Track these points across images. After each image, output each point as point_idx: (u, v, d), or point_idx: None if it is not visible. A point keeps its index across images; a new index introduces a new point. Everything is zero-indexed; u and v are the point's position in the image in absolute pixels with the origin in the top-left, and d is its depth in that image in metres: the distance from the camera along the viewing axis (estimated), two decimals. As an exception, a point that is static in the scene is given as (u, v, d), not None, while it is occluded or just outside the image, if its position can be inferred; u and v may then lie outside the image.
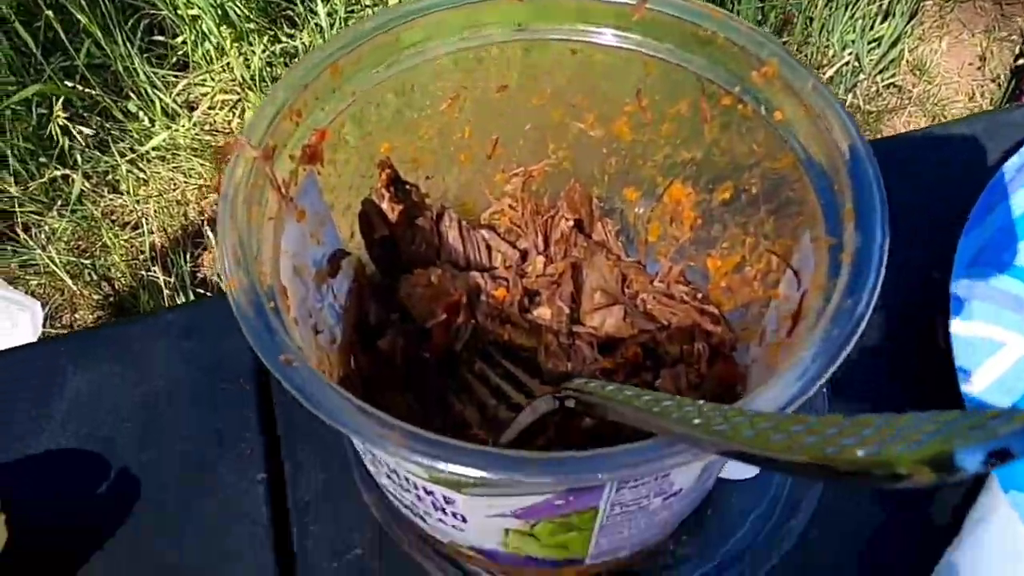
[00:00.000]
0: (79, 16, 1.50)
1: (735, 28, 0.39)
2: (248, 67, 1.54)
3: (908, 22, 1.52)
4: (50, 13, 1.45)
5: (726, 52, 0.39)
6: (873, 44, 1.51)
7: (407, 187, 0.45)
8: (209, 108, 1.58)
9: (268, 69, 1.54)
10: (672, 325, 0.44)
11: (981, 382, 0.46)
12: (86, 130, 1.51)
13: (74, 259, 1.46)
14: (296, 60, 0.36)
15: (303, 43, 1.54)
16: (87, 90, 1.54)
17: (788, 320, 0.37)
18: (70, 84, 1.52)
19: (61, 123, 1.44)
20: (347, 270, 0.43)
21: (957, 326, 0.47)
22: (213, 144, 1.56)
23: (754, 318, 0.42)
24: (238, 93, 1.56)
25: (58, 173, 1.53)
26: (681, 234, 0.47)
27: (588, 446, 0.27)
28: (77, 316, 1.48)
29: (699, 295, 0.45)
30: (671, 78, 0.41)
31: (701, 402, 0.28)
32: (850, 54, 1.49)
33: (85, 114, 1.57)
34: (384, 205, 0.43)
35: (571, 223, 0.47)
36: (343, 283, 0.43)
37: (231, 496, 0.48)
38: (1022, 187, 0.52)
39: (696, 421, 0.27)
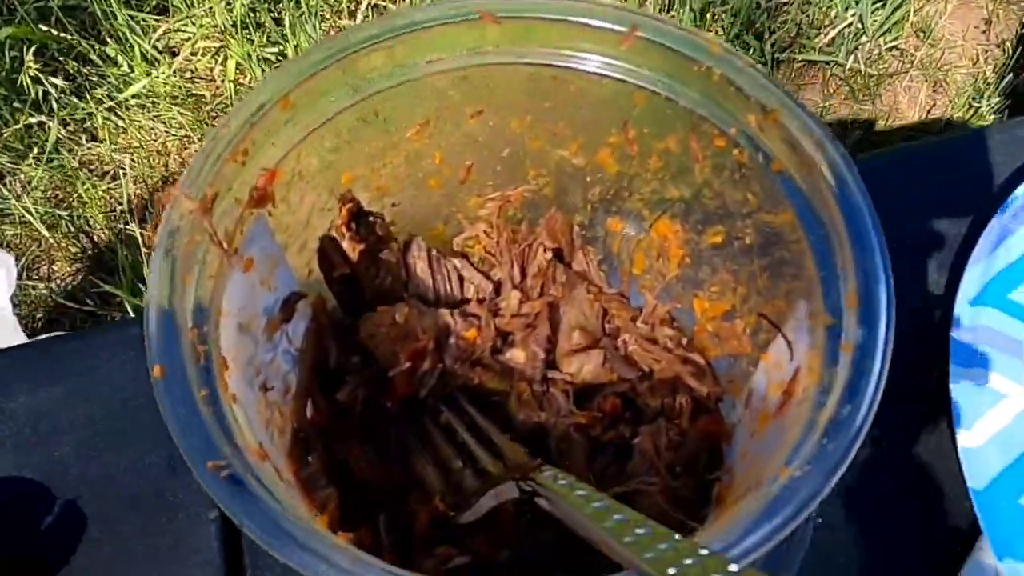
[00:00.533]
0: (51, -46, 1.41)
1: (735, 65, 0.34)
2: (231, 11, 1.46)
3: (915, -18, 1.45)
4: (20, -48, 1.36)
5: (723, 91, 0.35)
6: (877, 5, 1.44)
7: (371, 219, 0.40)
8: (191, 55, 1.50)
9: (252, 15, 1.46)
10: (654, 374, 0.41)
11: (980, 436, 0.43)
12: (59, 82, 1.43)
13: (50, 210, 1.41)
14: (241, 98, 0.32)
15: (287, -12, 1.45)
16: (62, 34, 1.46)
17: (778, 392, 0.34)
18: (44, 28, 1.44)
19: (32, 74, 1.37)
20: (304, 310, 0.39)
21: (955, 373, 0.44)
22: (195, 93, 1.49)
23: (742, 373, 0.39)
24: (220, 40, 1.48)
25: (33, 120, 1.46)
26: (667, 270, 0.43)
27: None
28: (55, 268, 1.43)
29: (684, 340, 0.42)
30: (660, 112, 0.37)
31: (659, 528, 0.25)
32: (853, 15, 1.42)
33: (61, 58, 1.49)
34: (345, 244, 0.39)
35: (550, 254, 0.43)
36: (299, 324, 0.39)
37: (183, 532, 0.45)
38: (1033, 218, 0.48)
39: (648, 555, 0.23)
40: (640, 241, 0.43)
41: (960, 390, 0.44)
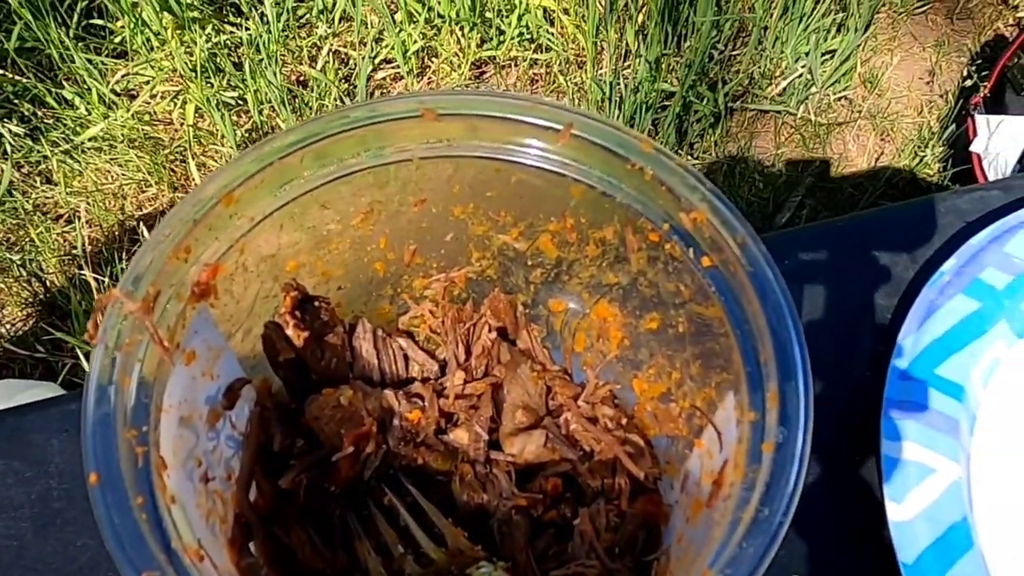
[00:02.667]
0: (8, -2, 1.40)
1: (665, 165, 0.36)
2: (191, 56, 1.47)
3: (862, 34, 1.50)
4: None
5: (655, 188, 0.36)
6: (827, 56, 1.49)
7: (316, 304, 0.41)
8: (150, 97, 1.50)
9: (212, 60, 1.46)
10: (594, 455, 0.42)
11: (909, 510, 0.44)
12: (15, 128, 1.42)
13: (1, 254, 1.39)
14: (184, 196, 0.32)
15: (248, 35, 1.46)
16: (17, 77, 1.45)
17: (709, 481, 0.35)
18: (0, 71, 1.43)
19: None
20: (248, 394, 0.40)
21: (886, 447, 0.46)
22: (152, 136, 1.49)
23: (678, 455, 0.40)
24: (179, 84, 1.48)
25: (-14, 163, 1.44)
26: (608, 350, 0.44)
27: None
28: (5, 313, 1.41)
29: (624, 420, 0.43)
30: (597, 204, 0.38)
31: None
32: (803, 67, 1.47)
33: (15, 101, 1.48)
34: (289, 331, 0.40)
35: (494, 333, 0.44)
36: (243, 408, 0.40)
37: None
38: (960, 292, 0.50)
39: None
40: (581, 321, 0.45)
41: (891, 464, 0.45)
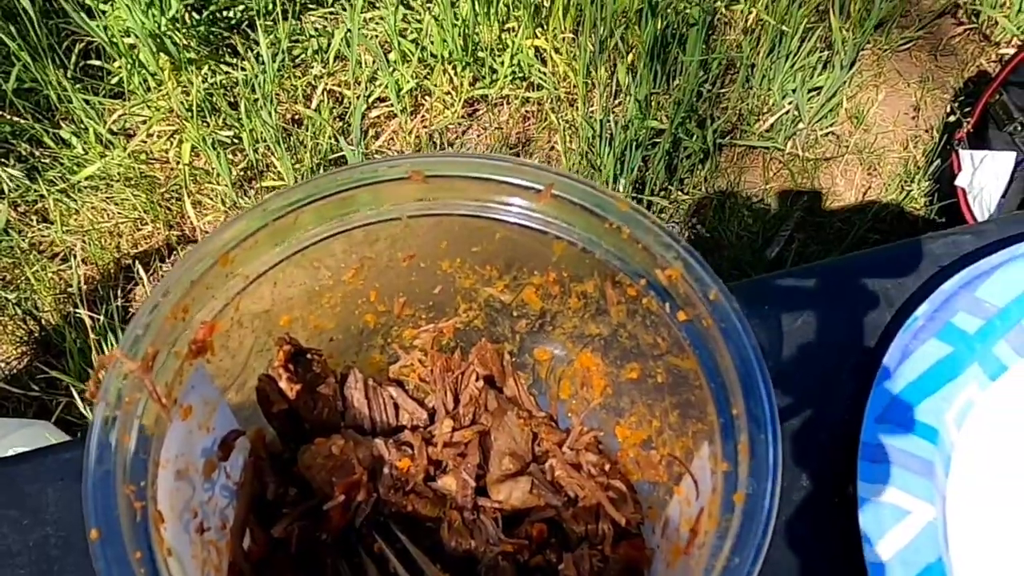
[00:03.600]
0: (7, 42, 1.43)
1: (641, 224, 0.38)
2: (188, 96, 1.49)
3: (847, 71, 1.54)
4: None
5: (631, 246, 0.38)
6: (813, 93, 1.52)
7: (308, 356, 0.43)
8: (146, 136, 1.52)
9: (208, 100, 1.49)
10: (579, 500, 0.43)
11: (885, 551, 0.46)
12: (14, 172, 1.44)
13: (-2, 293, 1.41)
14: (181, 257, 0.34)
15: (244, 75, 1.49)
16: (15, 117, 1.47)
17: (687, 528, 0.36)
18: (-2, 111, 1.46)
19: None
20: (242, 445, 0.41)
21: (862, 490, 0.47)
22: (148, 174, 1.51)
23: (659, 501, 0.42)
24: (176, 123, 1.51)
25: (-17, 201, 1.46)
26: (591, 398, 0.46)
27: None
28: (0, 351, 1.42)
29: (607, 466, 0.44)
30: (578, 260, 0.40)
31: None
32: (790, 103, 1.50)
33: (13, 141, 1.50)
34: (282, 384, 0.41)
35: (481, 382, 0.46)
36: (238, 458, 0.41)
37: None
38: (933, 337, 0.52)
39: None
40: (566, 369, 0.46)
41: (867, 506, 0.47)
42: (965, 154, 1.37)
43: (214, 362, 0.38)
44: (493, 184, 0.39)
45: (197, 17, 1.53)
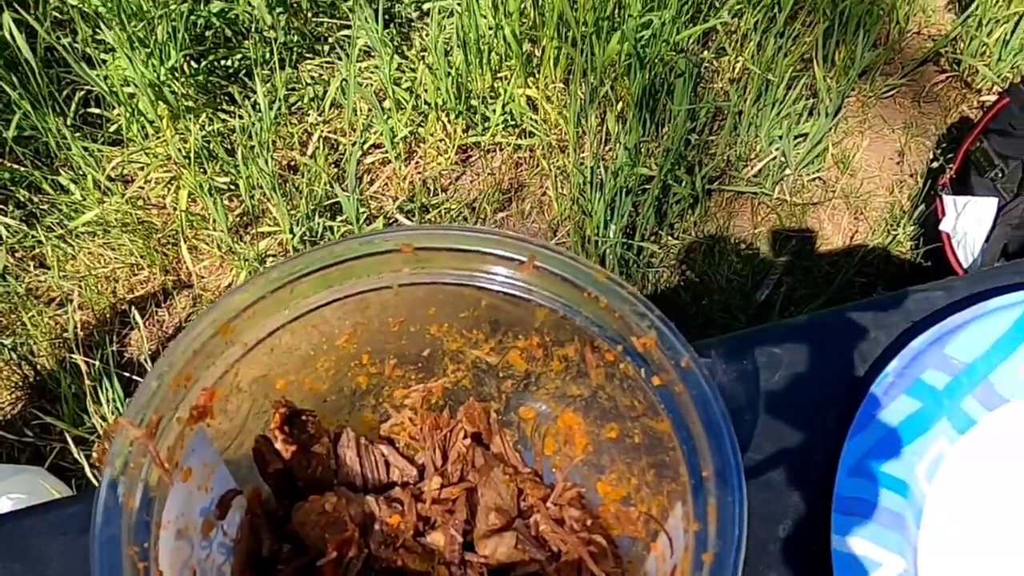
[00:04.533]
0: (8, 91, 1.47)
1: (618, 294, 0.41)
2: (185, 143, 1.53)
3: (833, 118, 1.58)
4: (-21, 90, 1.42)
5: (609, 314, 0.41)
6: (799, 140, 1.56)
7: (303, 417, 0.45)
8: (144, 183, 1.56)
9: (205, 147, 1.53)
10: (561, 555, 0.45)
11: (856, 603, 0.48)
12: (11, 221, 1.47)
13: (-6, 339, 1.43)
14: (183, 328, 0.35)
15: (241, 123, 1.53)
16: (15, 165, 1.51)
17: (663, 584, 0.39)
18: (-2, 159, 1.49)
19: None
20: (239, 503, 0.44)
21: (836, 542, 0.49)
22: (145, 220, 1.54)
23: (639, 556, 0.44)
24: (173, 170, 1.54)
25: (-19, 248, 1.49)
26: (574, 455, 0.48)
27: None
28: (-4, 397, 1.44)
29: (589, 522, 0.47)
30: (559, 326, 0.43)
31: None
32: (777, 150, 1.54)
33: (12, 187, 1.53)
34: (278, 445, 0.44)
35: (469, 440, 0.48)
36: (234, 516, 0.44)
37: None
38: (903, 393, 0.55)
39: None
40: (550, 427, 0.49)
41: (841, 559, 0.49)
42: (948, 199, 1.40)
43: (213, 425, 0.40)
44: (478, 255, 0.42)
45: (195, 66, 1.58)
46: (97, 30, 1.55)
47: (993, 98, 1.60)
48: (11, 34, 1.38)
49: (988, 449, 0.54)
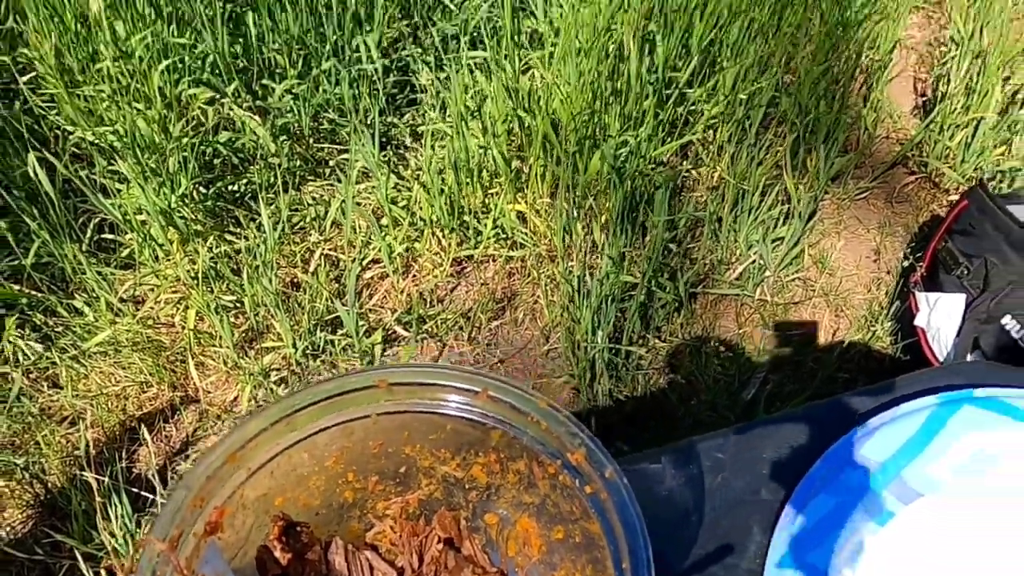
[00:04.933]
0: (29, 222, 1.61)
1: (555, 417, 0.51)
2: (194, 265, 1.66)
3: (808, 222, 1.71)
4: (3, 223, 1.56)
5: (549, 434, 0.51)
6: (776, 243, 1.69)
7: (298, 529, 0.55)
8: (155, 303, 1.68)
9: (213, 268, 1.66)
10: (521, 646, 0.54)
11: None
12: (34, 344, 1.59)
13: (6, 458, 1.52)
14: (198, 456, 0.44)
15: (246, 244, 1.66)
16: (34, 291, 1.64)
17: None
18: (17, 286, 1.62)
19: (11, 339, 1.53)
20: (244, 605, 0.53)
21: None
22: (155, 339, 1.66)
23: (585, 642, 0.53)
24: (182, 291, 1.67)
25: (-2, 371, 1.60)
26: (532, 555, 0.57)
27: None
28: (5, 515, 1.52)
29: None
30: (510, 444, 0.53)
31: None
32: (756, 253, 1.66)
33: (29, 312, 1.66)
34: (277, 553, 0.53)
35: (442, 544, 0.58)
36: (240, 617, 0.53)
37: None
38: (822, 492, 0.64)
39: None
40: (511, 531, 0.58)
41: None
42: (921, 296, 1.51)
43: (223, 538, 0.50)
44: (442, 387, 0.53)
45: (204, 192, 1.73)
46: (112, 162, 1.71)
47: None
48: (35, 172, 1.53)
49: (907, 539, 0.63)
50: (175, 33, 1.60)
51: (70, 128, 1.67)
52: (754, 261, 1.67)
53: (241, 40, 1.74)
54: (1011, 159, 1.69)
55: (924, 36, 2.06)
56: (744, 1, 1.63)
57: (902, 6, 1.82)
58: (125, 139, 1.64)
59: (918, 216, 1.78)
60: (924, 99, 1.93)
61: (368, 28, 1.74)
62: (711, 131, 1.72)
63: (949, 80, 1.75)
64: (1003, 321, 1.41)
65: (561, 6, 1.70)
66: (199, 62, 1.68)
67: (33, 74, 1.62)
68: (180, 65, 1.66)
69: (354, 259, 1.67)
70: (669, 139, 1.66)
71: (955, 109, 1.72)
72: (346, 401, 0.52)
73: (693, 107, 1.68)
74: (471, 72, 1.71)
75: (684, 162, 1.73)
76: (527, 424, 0.51)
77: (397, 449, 0.56)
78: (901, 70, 2.00)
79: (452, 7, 1.80)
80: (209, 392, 1.62)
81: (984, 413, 0.66)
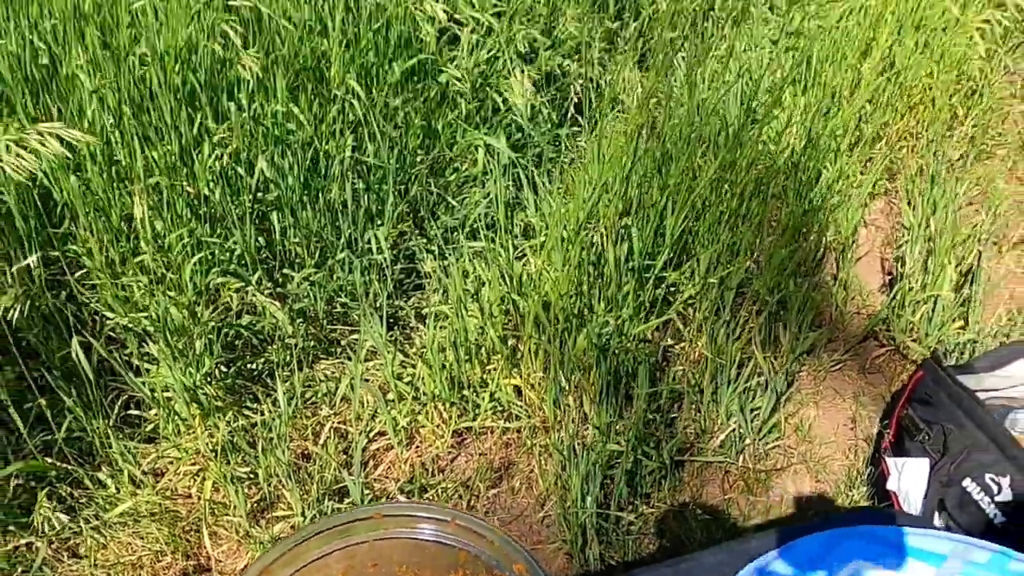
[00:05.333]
0: (66, 399, 1.84)
1: (506, 540, 0.70)
2: (213, 438, 1.87)
3: (785, 392, 1.91)
4: (43, 401, 1.79)
5: (500, 551, 0.70)
6: (755, 413, 1.88)
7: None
8: (174, 475, 1.87)
9: (230, 442, 1.86)
10: None
11: None
12: (62, 515, 1.77)
13: (27, 627, 1.66)
14: None
15: (262, 418, 1.87)
16: (64, 464, 1.84)
17: None
18: (48, 459, 1.82)
19: (43, 510, 1.71)
20: None
21: None
22: (172, 509, 1.84)
23: None
24: (201, 463, 1.87)
25: (23, 541, 1.78)
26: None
27: None
28: None
29: None
30: (475, 561, 0.72)
31: None
32: (735, 422, 1.85)
33: (58, 484, 1.85)
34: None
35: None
36: None
37: None
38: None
39: None
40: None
41: None
42: (891, 461, 1.69)
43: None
44: (423, 519, 0.72)
45: (225, 371, 1.96)
46: (143, 344, 1.95)
47: (924, 369, 1.93)
48: (77, 356, 1.77)
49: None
50: (208, 232, 1.89)
51: (109, 314, 1.93)
52: (734, 430, 1.85)
53: (265, 234, 2.04)
54: (968, 332, 1.91)
55: (888, 220, 2.34)
56: (713, 194, 1.92)
57: (857, 197, 2.11)
58: (157, 324, 1.90)
59: (890, 386, 1.98)
60: (890, 277, 2.18)
61: (379, 223, 2.04)
62: (690, 309, 1.96)
63: (904, 262, 2.00)
64: (964, 484, 1.57)
65: (550, 202, 1.99)
66: (228, 254, 1.96)
67: (83, 271, 1.89)
68: (210, 257, 1.94)
69: (361, 432, 1.87)
70: (651, 317, 1.90)
71: (912, 287, 1.96)
72: (350, 529, 0.71)
73: (672, 287, 1.92)
74: (470, 260, 1.98)
75: (666, 336, 1.96)
76: (484, 545, 0.70)
77: (389, 568, 0.74)
78: (868, 250, 2.26)
79: (454, 203, 2.10)
80: (220, 561, 1.78)
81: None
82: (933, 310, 1.95)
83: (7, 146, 1.10)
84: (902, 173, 2.28)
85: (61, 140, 1.14)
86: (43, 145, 1.12)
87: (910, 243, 2.00)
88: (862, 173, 2.17)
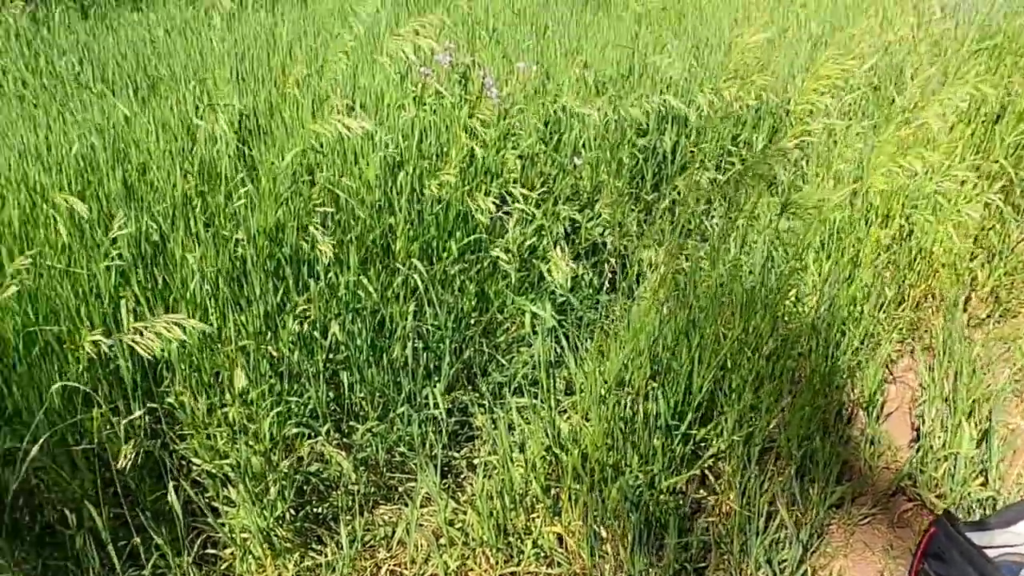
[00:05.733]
0: (156, 538, 2.15)
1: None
2: (280, 576, 2.13)
3: (814, 545, 2.09)
4: (138, 539, 2.10)
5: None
6: (784, 564, 2.07)
7: None
8: (244, 612, 2.14)
9: (296, 581, 2.13)
10: None
11: None
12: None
13: None
14: None
15: (327, 560, 2.14)
16: (150, 599, 2.12)
17: None
18: (138, 594, 2.11)
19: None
20: None
21: None
22: (242, 643, 2.09)
23: None
24: (269, 600, 2.13)
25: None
26: None
27: None
28: None
29: None
30: None
31: None
32: (763, 574, 2.04)
33: (142, 618, 2.13)
34: None
35: None
36: None
37: None
38: None
39: None
40: None
41: None
42: (911, 614, 1.85)
43: None
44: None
45: (295, 514, 2.25)
46: (224, 488, 2.26)
47: (947, 524, 2.10)
48: (171, 498, 2.08)
49: None
50: (286, 389, 2.22)
51: (196, 461, 2.25)
52: (764, 578, 2.04)
53: (334, 389, 2.36)
54: (988, 490, 2.08)
55: (916, 377, 2.55)
56: (739, 355, 2.18)
57: (880, 357, 2.33)
58: (238, 470, 2.21)
59: (919, 538, 2.15)
60: (917, 433, 2.37)
61: (436, 379, 2.35)
62: (719, 463, 2.19)
63: (924, 420, 2.20)
64: (975, 637, 1.74)
65: (588, 362, 2.27)
66: (302, 408, 2.28)
67: (178, 426, 2.23)
68: (287, 411, 2.26)
69: (415, 575, 2.12)
70: (681, 470, 2.13)
71: (933, 446, 2.15)
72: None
73: (702, 443, 2.16)
74: (518, 413, 2.26)
75: (697, 488, 2.18)
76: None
77: None
78: (898, 406, 2.46)
79: (504, 362, 2.40)
80: None
81: None
82: (955, 467, 2.13)
83: (140, 332, 1.45)
84: (929, 332, 2.50)
85: (184, 329, 1.48)
86: (168, 331, 1.46)
87: (927, 403, 2.20)
88: (884, 332, 2.40)
